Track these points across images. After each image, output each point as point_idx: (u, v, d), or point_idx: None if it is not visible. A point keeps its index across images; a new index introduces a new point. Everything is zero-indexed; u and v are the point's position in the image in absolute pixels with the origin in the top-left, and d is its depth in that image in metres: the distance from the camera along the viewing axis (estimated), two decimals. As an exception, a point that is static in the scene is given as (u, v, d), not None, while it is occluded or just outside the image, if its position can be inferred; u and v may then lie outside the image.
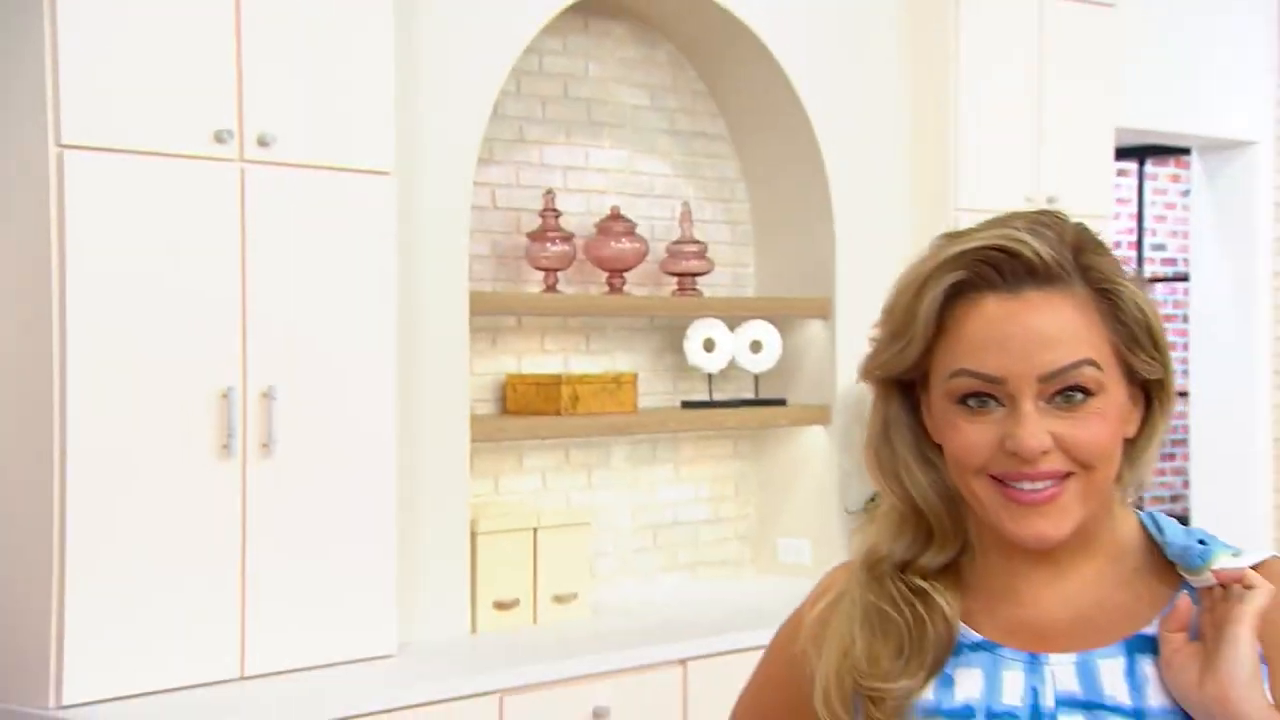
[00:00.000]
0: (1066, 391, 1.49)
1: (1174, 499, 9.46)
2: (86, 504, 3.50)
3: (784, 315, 5.18)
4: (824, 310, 5.10)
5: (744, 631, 4.18)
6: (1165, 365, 1.55)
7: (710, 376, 5.09)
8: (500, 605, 4.41)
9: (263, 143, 3.72)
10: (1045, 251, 1.50)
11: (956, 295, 1.52)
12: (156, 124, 3.58)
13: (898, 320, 1.55)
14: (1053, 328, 1.49)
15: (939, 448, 1.57)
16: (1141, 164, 8.78)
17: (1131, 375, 1.54)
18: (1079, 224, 1.56)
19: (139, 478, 3.57)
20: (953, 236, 1.54)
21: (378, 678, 3.82)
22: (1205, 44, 6.73)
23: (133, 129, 3.55)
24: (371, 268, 3.96)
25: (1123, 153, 8.08)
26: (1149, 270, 9.27)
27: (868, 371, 1.59)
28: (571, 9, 4.62)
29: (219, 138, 3.66)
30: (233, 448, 3.69)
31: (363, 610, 3.93)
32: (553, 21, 4.60)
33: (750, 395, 5.20)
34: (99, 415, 3.51)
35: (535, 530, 4.52)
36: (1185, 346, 8.24)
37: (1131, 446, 1.56)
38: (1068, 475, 1.49)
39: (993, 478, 1.50)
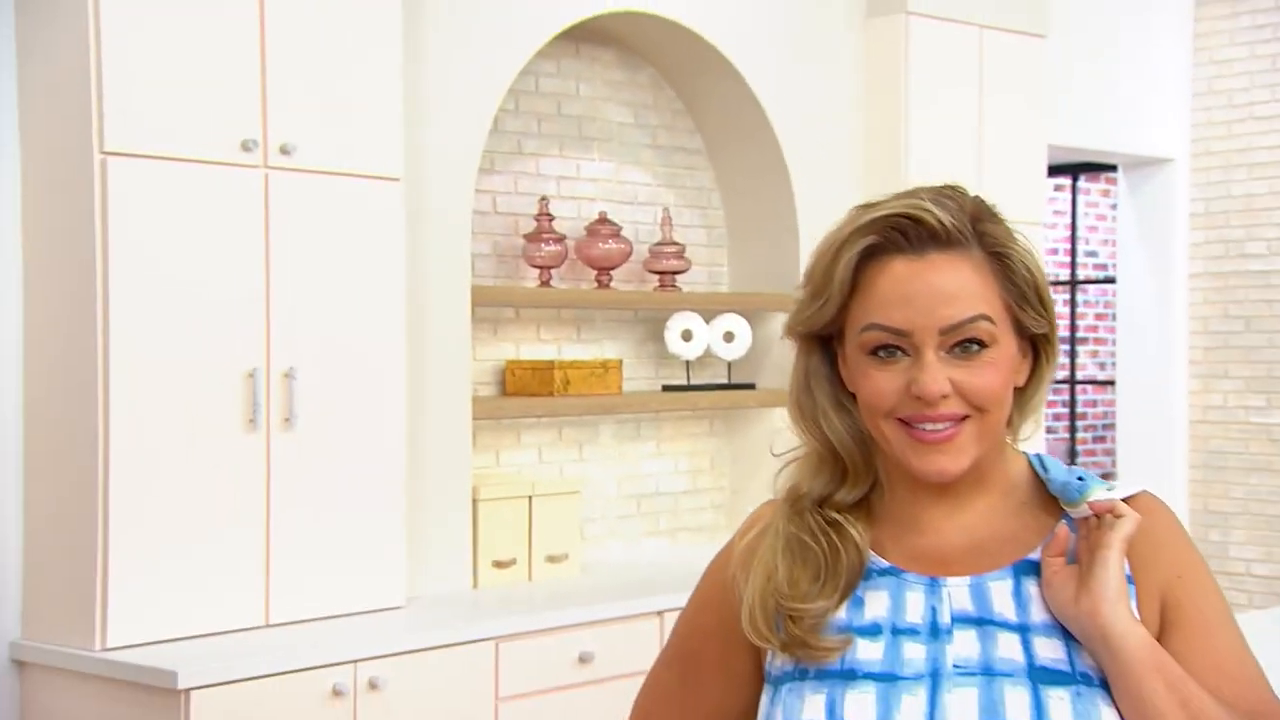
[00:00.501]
0: (964, 343, 1.49)
1: (1105, 477, 9.43)
2: (128, 472, 3.50)
3: (754, 309, 5.18)
4: (789, 305, 5.03)
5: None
6: (1050, 321, 1.56)
7: (688, 363, 5.09)
8: (499, 564, 4.42)
9: (284, 151, 3.72)
10: (946, 219, 1.50)
11: (868, 257, 1.52)
12: (189, 133, 3.58)
13: (817, 281, 1.55)
14: (952, 286, 1.50)
15: (853, 396, 1.57)
16: (1075, 180, 8.77)
17: (1021, 330, 1.54)
18: (977, 196, 1.56)
19: (174, 449, 3.57)
20: (865, 207, 1.55)
21: (388, 626, 3.81)
22: (1128, 71, 6.71)
23: (168, 138, 3.55)
24: (382, 263, 3.95)
25: (1059, 170, 8.08)
26: (1082, 273, 9.23)
27: (790, 328, 1.60)
28: (563, 35, 4.62)
29: (245, 146, 3.65)
30: (258, 421, 3.70)
31: (375, 566, 3.93)
32: (547, 46, 4.59)
33: (724, 380, 5.20)
34: (139, 394, 3.52)
35: (531, 498, 4.52)
36: (1113, 341, 8.26)
37: (1021, 394, 1.57)
38: (964, 418, 1.50)
39: (900, 421, 1.50)
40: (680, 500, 5.26)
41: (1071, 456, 9.02)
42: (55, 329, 3.60)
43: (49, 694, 3.61)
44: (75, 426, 3.53)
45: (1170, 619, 1.50)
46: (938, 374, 1.48)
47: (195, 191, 3.60)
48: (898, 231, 1.51)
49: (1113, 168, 7.54)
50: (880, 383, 1.51)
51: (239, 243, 3.67)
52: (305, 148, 3.76)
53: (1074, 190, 8.86)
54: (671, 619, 4.16)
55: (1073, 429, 9.26)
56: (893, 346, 1.50)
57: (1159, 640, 1.48)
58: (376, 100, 3.94)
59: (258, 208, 3.70)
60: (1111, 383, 8.17)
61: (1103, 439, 9.33)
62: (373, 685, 3.61)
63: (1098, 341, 9.50)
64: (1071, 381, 9.17)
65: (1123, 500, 1.51)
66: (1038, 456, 1.61)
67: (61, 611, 3.57)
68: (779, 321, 5.17)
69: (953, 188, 1.56)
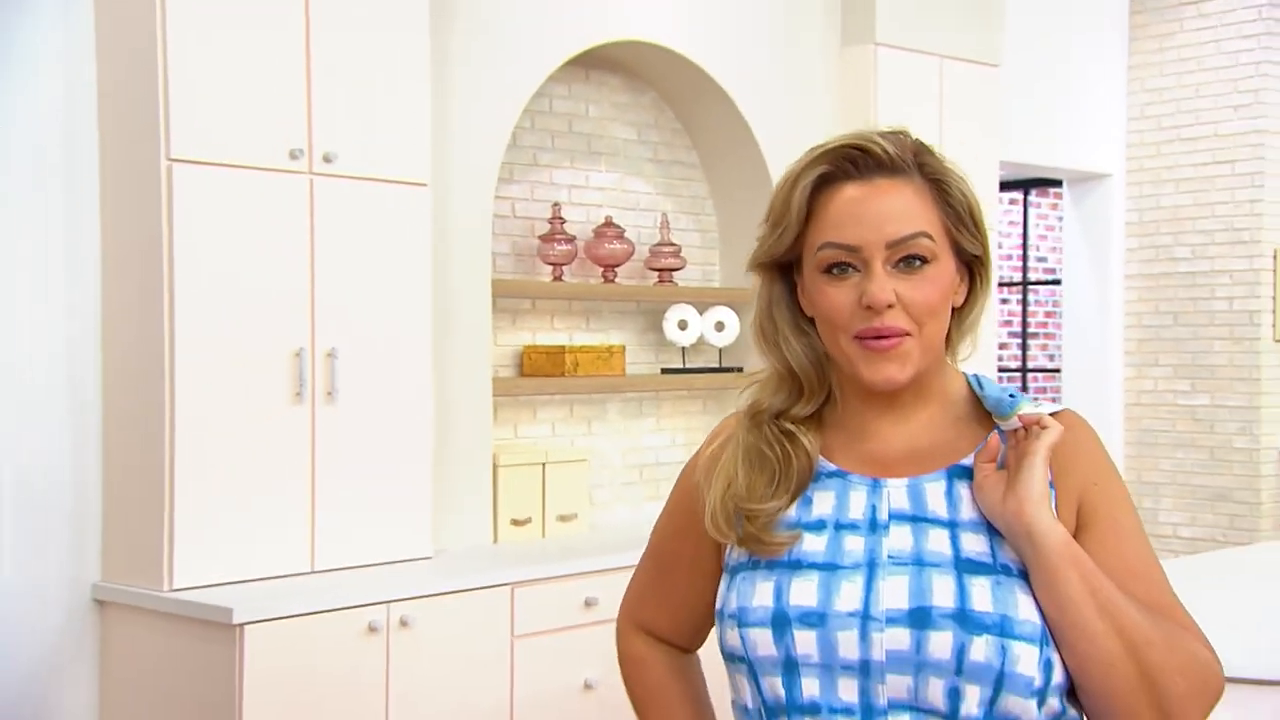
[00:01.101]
0: (907, 258, 1.48)
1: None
2: (191, 438, 3.51)
3: (741, 302, 5.16)
4: None
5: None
6: (984, 243, 1.55)
7: (683, 349, 5.10)
8: (516, 522, 4.43)
9: (327, 159, 3.73)
10: (891, 149, 1.50)
11: (822, 185, 1.51)
12: (244, 143, 3.59)
13: (777, 211, 1.54)
14: (897, 206, 1.49)
15: (810, 321, 1.56)
16: (1026, 194, 8.77)
17: (959, 253, 1.53)
18: (917, 137, 1.55)
19: (231, 419, 3.58)
20: (818, 145, 1.53)
21: (418, 573, 3.82)
22: (1071, 98, 6.71)
23: (226, 147, 3.56)
24: (412, 259, 3.96)
25: (1012, 185, 8.09)
26: (1033, 276, 9.23)
27: (755, 260, 1.58)
28: (574, 62, 4.62)
29: (293, 155, 3.66)
30: (304, 395, 3.70)
31: (407, 521, 3.94)
32: (559, 71, 4.59)
33: (715, 364, 5.19)
34: (201, 371, 3.53)
35: (544, 465, 4.53)
36: (1060, 335, 8.22)
37: (960, 314, 1.56)
38: (907, 334, 1.48)
39: (855, 338, 1.49)
40: (676, 469, 5.21)
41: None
42: (129, 315, 3.60)
43: (124, 629, 3.63)
44: (146, 399, 3.54)
45: (1085, 521, 1.49)
46: (885, 284, 1.47)
47: (249, 194, 3.60)
48: (848, 161, 1.50)
49: (1058, 183, 7.54)
50: (835, 297, 1.49)
51: (287, 240, 3.68)
52: (345, 156, 3.77)
53: (1025, 203, 8.85)
54: None
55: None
56: (845, 263, 1.49)
57: (1074, 539, 1.46)
58: (407, 116, 3.94)
59: (303, 209, 3.71)
60: (1058, 370, 8.17)
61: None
62: (403, 623, 3.62)
63: (1046, 336, 9.48)
64: (1024, 370, 9.16)
65: (1049, 415, 1.49)
66: (975, 376, 1.60)
67: (135, 558, 3.59)
68: (763, 314, 5.21)
69: (898, 129, 1.55)
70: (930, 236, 1.49)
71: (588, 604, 4.03)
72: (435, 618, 3.70)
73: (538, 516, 4.50)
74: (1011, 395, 1.52)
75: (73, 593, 3.65)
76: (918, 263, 1.49)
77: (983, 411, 1.55)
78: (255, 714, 3.35)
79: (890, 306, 1.47)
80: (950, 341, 1.57)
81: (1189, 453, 6.76)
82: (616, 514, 5.03)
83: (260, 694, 3.36)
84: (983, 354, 5.18)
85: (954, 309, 1.55)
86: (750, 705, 1.54)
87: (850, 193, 1.50)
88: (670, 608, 1.72)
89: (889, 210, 1.49)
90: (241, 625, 3.32)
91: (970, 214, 1.53)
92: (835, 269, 1.50)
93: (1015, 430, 1.49)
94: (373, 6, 3.85)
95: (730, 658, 1.54)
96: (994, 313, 5.34)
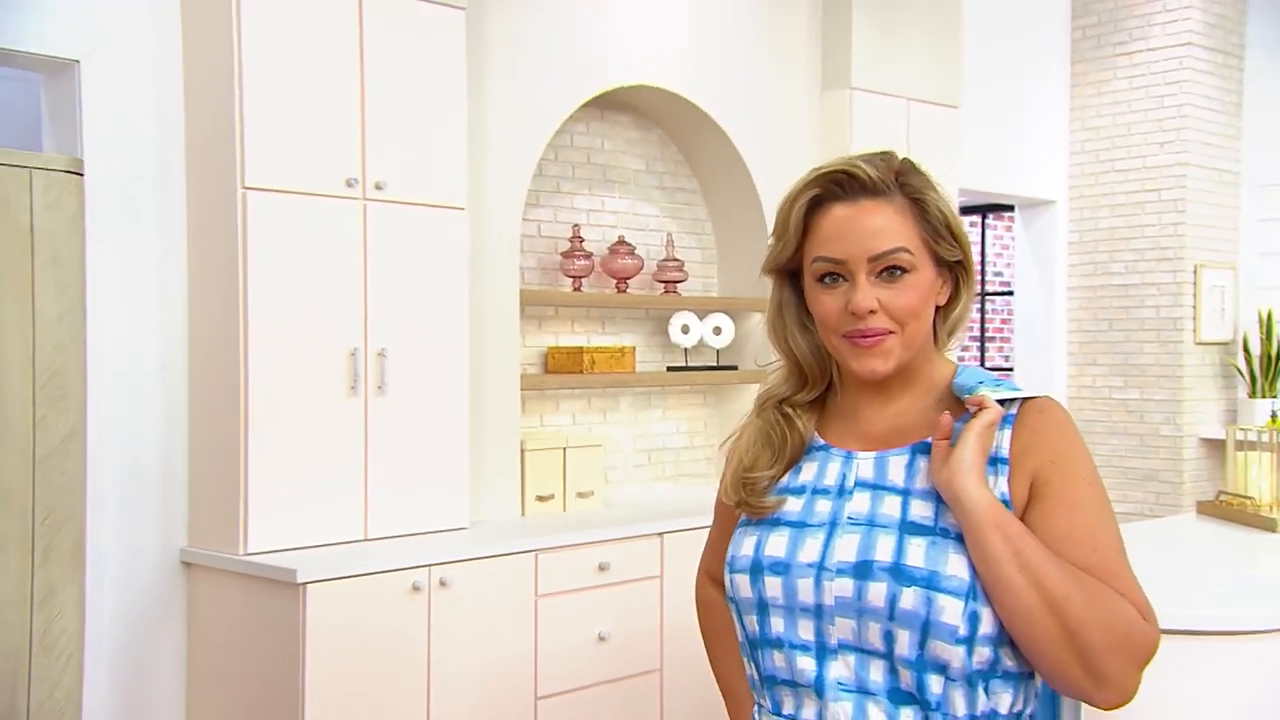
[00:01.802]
0: (889, 269, 1.47)
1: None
2: (262, 426, 3.53)
3: (736, 310, 5.17)
4: (764, 306, 5.01)
5: (702, 516, 4.16)
6: (964, 249, 1.53)
7: (686, 350, 5.10)
8: (540, 498, 4.43)
9: (378, 187, 3.74)
10: (873, 173, 1.48)
11: (815, 206, 1.50)
12: (307, 173, 3.60)
13: (779, 227, 1.54)
14: (878, 224, 1.47)
15: (813, 319, 1.55)
16: (984, 217, 8.72)
17: (939, 260, 1.51)
18: (905, 156, 1.53)
19: (296, 408, 3.60)
20: (815, 168, 1.52)
21: (456, 541, 3.83)
22: (1021, 134, 6.68)
23: (292, 176, 3.57)
24: (450, 272, 3.96)
25: (971, 210, 8.05)
26: (990, 288, 9.19)
27: (765, 267, 1.58)
28: (590, 103, 4.63)
29: (349, 183, 3.67)
30: (358, 388, 3.71)
31: (446, 498, 3.94)
32: (578, 112, 4.60)
33: (713, 363, 5.19)
34: (270, 367, 3.54)
35: (565, 450, 4.52)
36: (1013, 339, 8.21)
37: (945, 312, 1.55)
38: (889, 333, 1.48)
39: (844, 337, 1.49)
40: (680, 454, 5.25)
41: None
42: (211, 318, 3.62)
43: (206, 587, 3.66)
44: (225, 391, 3.56)
45: (1036, 494, 1.44)
46: (867, 293, 1.46)
47: (311, 217, 3.62)
48: (836, 184, 1.49)
49: (1011, 208, 7.49)
50: (827, 303, 1.50)
51: (343, 255, 3.70)
52: (393, 184, 3.78)
53: (983, 225, 8.80)
54: (670, 540, 4.22)
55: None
56: (834, 274, 1.49)
57: (1026, 510, 1.44)
58: (447, 150, 3.95)
59: (357, 230, 3.72)
60: (1012, 369, 8.12)
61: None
62: (443, 583, 3.63)
63: (1003, 340, 9.41)
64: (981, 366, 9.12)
65: (1026, 399, 1.48)
66: (964, 366, 1.57)
67: (215, 527, 3.61)
68: (756, 319, 5.20)
69: (887, 151, 1.53)
70: (909, 250, 1.47)
71: (601, 568, 4.04)
72: (470, 579, 3.71)
73: (559, 493, 4.49)
74: (980, 382, 1.50)
75: (163, 556, 3.67)
76: (898, 273, 1.47)
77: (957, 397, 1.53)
78: (316, 660, 3.37)
79: (872, 312, 1.47)
80: (938, 334, 1.56)
81: (1122, 439, 6.72)
82: (628, 491, 5.02)
83: (320, 643, 3.38)
84: (972, 352, 5.14)
85: (940, 307, 1.54)
86: (740, 639, 1.58)
87: (838, 212, 1.49)
88: (720, 558, 1.71)
89: (871, 228, 1.47)
90: (304, 584, 3.34)
91: (947, 226, 1.51)
92: (827, 278, 1.50)
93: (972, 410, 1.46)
94: (417, 54, 3.86)
95: (728, 599, 1.58)
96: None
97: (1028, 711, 1.49)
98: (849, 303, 1.47)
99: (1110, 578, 1.39)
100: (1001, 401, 1.47)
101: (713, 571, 1.80)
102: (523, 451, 4.38)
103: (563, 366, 4.65)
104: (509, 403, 4.31)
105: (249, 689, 3.52)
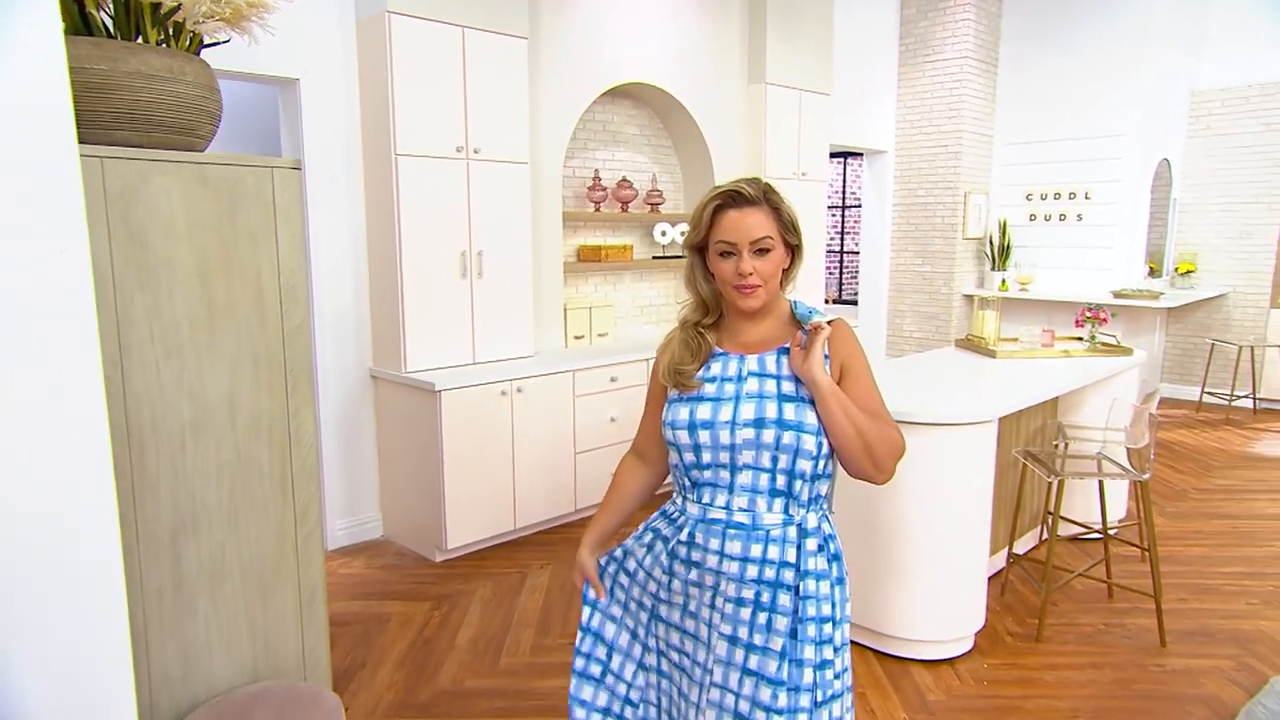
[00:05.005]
0: (760, 249, 1.46)
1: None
2: (413, 294, 3.48)
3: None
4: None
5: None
6: (799, 239, 1.51)
7: (664, 245, 4.98)
8: (576, 337, 4.38)
9: (475, 151, 3.63)
10: (752, 191, 1.46)
11: (718, 210, 1.48)
12: (433, 143, 3.50)
13: (695, 221, 1.51)
14: (754, 222, 1.45)
15: (711, 275, 1.53)
16: (846, 160, 8.52)
17: (787, 244, 1.50)
18: (768, 182, 1.50)
19: (431, 286, 3.54)
20: (717, 187, 1.50)
21: (526, 364, 3.79)
22: (866, 107, 6.43)
23: (424, 145, 3.48)
24: (519, 202, 3.83)
25: (838, 154, 7.83)
26: (850, 202, 8.99)
27: (686, 243, 1.54)
28: (605, 93, 4.48)
29: (458, 149, 3.58)
30: (466, 274, 3.65)
31: (520, 336, 3.88)
32: (598, 99, 4.46)
33: (679, 254, 5.09)
34: (416, 264, 3.48)
35: (590, 308, 4.44)
36: (859, 238, 8.04)
37: (788, 274, 1.54)
38: (759, 286, 1.48)
39: (734, 287, 1.49)
40: (660, 309, 5.15)
41: (841, 286, 8.87)
42: (381, 235, 3.54)
43: (383, 394, 3.65)
44: (389, 281, 3.49)
45: (843, 375, 1.48)
46: (748, 264, 1.46)
47: (437, 172, 3.53)
48: (730, 197, 1.47)
49: (860, 154, 7.30)
50: (724, 268, 1.49)
51: (455, 193, 3.61)
52: (485, 149, 3.67)
53: (845, 166, 8.61)
54: (652, 361, 4.22)
55: (841, 279, 9.11)
56: (729, 251, 1.47)
57: (839, 383, 1.47)
58: (516, 126, 3.81)
59: (463, 177, 3.63)
60: (858, 253, 8.06)
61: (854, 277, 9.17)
62: (519, 390, 3.61)
63: (855, 236, 9.21)
64: (841, 252, 8.99)
65: (828, 322, 1.48)
66: (795, 301, 1.56)
67: (387, 353, 3.58)
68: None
69: (755, 177, 1.50)
70: (771, 238, 1.49)
71: (613, 380, 4.03)
72: (536, 387, 3.69)
73: (587, 334, 4.45)
74: (811, 311, 1.51)
75: (358, 372, 3.65)
76: (765, 252, 1.49)
77: (797, 321, 1.54)
78: (450, 440, 3.36)
79: (750, 274, 1.48)
80: (783, 285, 1.55)
81: (919, 296, 6.67)
82: (627, 332, 4.98)
83: (451, 428, 3.39)
84: (814, 282, 5.15)
85: (785, 270, 1.54)
86: (676, 464, 1.54)
87: (732, 214, 1.48)
88: (648, 431, 1.66)
89: (750, 225, 1.47)
90: (440, 391, 3.34)
91: (792, 224, 1.51)
92: (725, 254, 1.50)
93: (810, 329, 1.47)
94: (497, 68, 3.71)
95: (669, 444, 1.53)
96: (821, 268, 5.20)
97: (826, 493, 1.57)
98: (737, 268, 1.46)
99: (881, 417, 1.47)
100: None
101: (640, 448, 1.65)
102: (565, 309, 4.34)
103: (588, 257, 4.59)
104: (556, 279, 4.26)
105: (412, 453, 3.54)
